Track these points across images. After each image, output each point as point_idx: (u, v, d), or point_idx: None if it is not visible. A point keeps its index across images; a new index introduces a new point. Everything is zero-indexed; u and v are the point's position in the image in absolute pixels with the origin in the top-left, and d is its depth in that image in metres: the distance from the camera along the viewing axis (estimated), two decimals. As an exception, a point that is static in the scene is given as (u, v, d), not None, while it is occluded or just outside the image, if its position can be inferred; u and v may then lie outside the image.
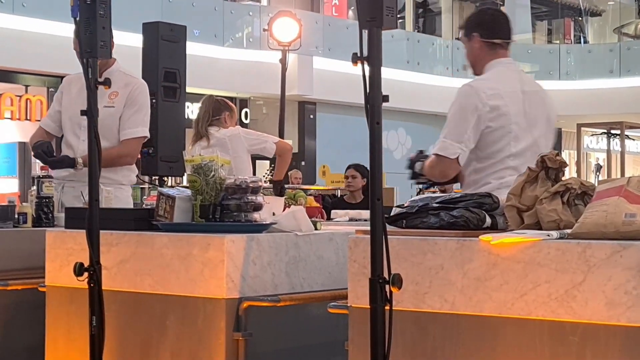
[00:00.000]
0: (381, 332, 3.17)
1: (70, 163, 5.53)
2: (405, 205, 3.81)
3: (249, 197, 4.32)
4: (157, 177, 7.37)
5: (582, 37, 23.81)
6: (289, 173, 13.89)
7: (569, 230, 3.32)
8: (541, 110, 4.67)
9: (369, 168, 3.22)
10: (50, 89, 14.32)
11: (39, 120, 11.62)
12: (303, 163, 17.80)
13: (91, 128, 3.87)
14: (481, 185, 4.46)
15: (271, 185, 7.53)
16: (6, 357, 4.99)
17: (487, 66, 4.71)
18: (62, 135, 5.79)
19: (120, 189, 5.58)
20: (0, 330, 4.98)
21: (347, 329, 3.62)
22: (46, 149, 5.57)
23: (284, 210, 4.66)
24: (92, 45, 3.91)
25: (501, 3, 23.08)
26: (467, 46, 4.79)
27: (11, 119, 14.70)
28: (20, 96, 14.79)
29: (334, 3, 20.90)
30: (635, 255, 3.07)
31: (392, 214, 3.78)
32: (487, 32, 4.73)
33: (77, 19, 3.95)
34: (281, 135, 12.86)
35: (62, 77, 6.00)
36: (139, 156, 6.20)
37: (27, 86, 14.90)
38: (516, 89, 4.62)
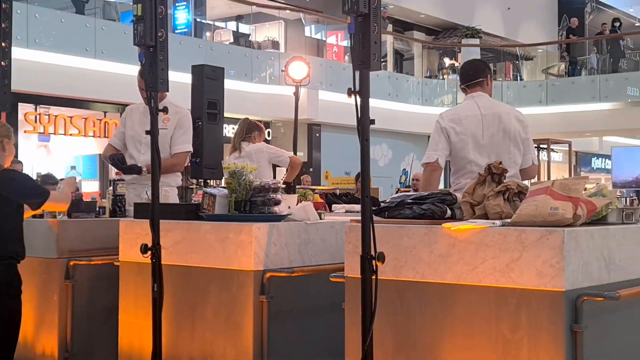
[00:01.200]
0: (369, 296, 3.17)
1: (137, 170, 5.56)
2: (387, 201, 3.81)
3: (271, 195, 4.32)
4: (202, 180, 7.37)
5: (518, 76, 23.76)
6: (301, 177, 13.89)
7: (508, 220, 3.32)
8: (498, 126, 4.74)
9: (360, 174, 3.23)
10: (122, 114, 14.33)
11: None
12: (311, 169, 17.76)
13: (154, 144, 3.86)
14: (456, 185, 4.70)
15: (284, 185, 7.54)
16: (91, 315, 5.00)
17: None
18: (125, 149, 5.82)
19: (171, 189, 5.61)
20: (86, 295, 4.98)
21: (344, 293, 3.62)
22: (120, 159, 5.63)
23: (297, 204, 4.66)
24: (154, 82, 3.91)
25: (459, 51, 23.04)
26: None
27: (93, 136, 14.73)
28: (100, 120, 14.82)
29: (334, 50, 20.89)
30: (558, 238, 3.07)
31: (376, 207, 3.77)
32: (461, 80, 5.00)
33: (143, 62, 3.96)
34: (294, 149, 12.82)
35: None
36: (188, 164, 6.21)
37: (105, 112, 14.91)
38: (476, 112, 4.69)
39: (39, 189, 4.18)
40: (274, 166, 7.47)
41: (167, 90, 4.02)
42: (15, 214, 4.02)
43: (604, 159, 25.54)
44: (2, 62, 5.34)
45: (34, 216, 4.76)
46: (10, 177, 4.06)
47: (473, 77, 4.87)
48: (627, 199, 5.73)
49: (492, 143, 4.68)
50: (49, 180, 8.16)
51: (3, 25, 5.33)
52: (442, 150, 4.72)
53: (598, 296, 3.12)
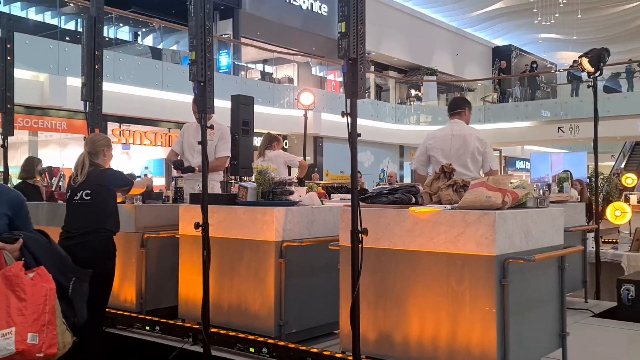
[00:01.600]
0: (357, 259, 3.18)
1: (192, 169, 5.58)
2: (370, 191, 3.82)
3: (287, 188, 4.33)
4: (238, 177, 7.36)
5: (464, 102, 23.61)
6: (312, 175, 13.90)
7: (456, 205, 3.32)
8: (462, 143, 4.84)
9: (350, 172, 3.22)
10: (181, 129, 14.25)
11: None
12: (316, 169, 17.75)
13: (204, 150, 3.87)
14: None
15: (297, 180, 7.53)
16: (159, 273, 5.00)
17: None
18: (183, 154, 5.85)
19: (216, 183, 5.63)
20: (156, 259, 4.99)
21: (338, 257, 3.63)
22: (180, 163, 5.66)
23: (305, 194, 4.66)
24: (204, 106, 3.92)
25: (421, 84, 22.96)
26: None
27: (161, 146, 14.72)
28: (166, 134, 14.81)
29: (332, 84, 20.86)
30: (490, 218, 3.07)
31: (362, 196, 3.78)
32: (447, 109, 5.08)
33: (196, 92, 3.96)
34: (304, 155, 12.85)
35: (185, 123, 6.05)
36: (228, 166, 6.23)
37: (169, 129, 14.88)
38: (448, 134, 4.75)
39: (127, 180, 4.26)
40: (289, 168, 7.48)
41: (213, 112, 4.02)
42: (112, 199, 4.09)
43: (524, 162, 25.45)
44: (97, 93, 5.36)
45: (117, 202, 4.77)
46: (109, 173, 4.15)
47: (454, 108, 5.04)
48: (541, 190, 5.72)
49: (457, 155, 4.80)
50: (130, 177, 8.21)
51: (97, 66, 5.35)
52: (420, 162, 4.96)
53: (519, 259, 3.13)
